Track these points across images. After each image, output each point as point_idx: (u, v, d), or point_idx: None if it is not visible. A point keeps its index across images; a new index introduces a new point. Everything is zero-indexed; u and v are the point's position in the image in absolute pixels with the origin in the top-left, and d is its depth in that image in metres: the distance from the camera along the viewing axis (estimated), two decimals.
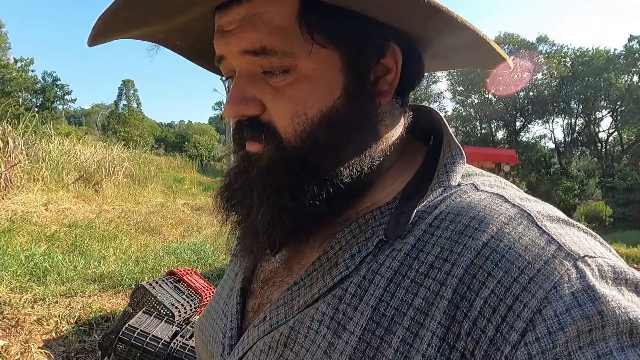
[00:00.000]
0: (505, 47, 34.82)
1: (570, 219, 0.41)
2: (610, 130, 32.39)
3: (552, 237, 0.36)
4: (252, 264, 0.56)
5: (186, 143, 39.86)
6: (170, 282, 3.20)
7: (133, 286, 4.07)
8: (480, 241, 0.37)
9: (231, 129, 0.50)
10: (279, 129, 0.44)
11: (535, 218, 0.39)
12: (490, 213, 0.40)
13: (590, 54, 32.18)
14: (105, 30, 0.45)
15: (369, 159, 0.45)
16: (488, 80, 32.77)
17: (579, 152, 35.44)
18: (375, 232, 0.44)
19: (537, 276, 0.34)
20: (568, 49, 33.72)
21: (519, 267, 0.35)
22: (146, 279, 4.17)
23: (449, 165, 0.46)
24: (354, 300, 0.40)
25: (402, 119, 0.50)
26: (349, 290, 0.41)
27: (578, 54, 32.77)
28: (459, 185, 0.45)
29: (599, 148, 32.50)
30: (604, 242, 0.39)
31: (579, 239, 0.38)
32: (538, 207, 0.41)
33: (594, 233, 0.40)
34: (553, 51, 33.33)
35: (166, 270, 4.05)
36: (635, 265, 8.78)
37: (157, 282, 3.09)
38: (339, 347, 0.39)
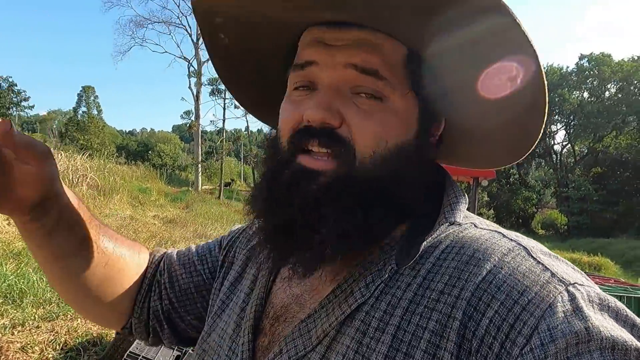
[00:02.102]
0: None
1: (559, 256, 0.46)
2: (564, 143, 34.33)
3: (546, 267, 0.41)
4: (263, 300, 0.56)
5: (150, 152, 38.71)
6: None
7: None
8: (484, 269, 0.42)
9: (284, 136, 0.50)
10: (358, 146, 0.47)
11: (530, 251, 0.44)
12: (491, 246, 0.45)
13: (544, 70, 34.04)
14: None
15: (418, 197, 0.50)
16: None
17: (536, 163, 37.28)
18: (387, 263, 0.47)
19: (535, 298, 0.38)
20: None
21: (518, 290, 0.39)
22: None
23: (454, 204, 0.51)
24: (377, 334, 0.43)
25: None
26: (372, 325, 0.44)
27: None
28: (459, 223, 0.50)
29: (554, 159, 34.34)
30: (588, 277, 0.44)
31: (567, 269, 0.43)
32: (531, 242, 0.47)
33: (578, 269, 0.45)
34: None
35: None
36: (597, 273, 9.27)
37: None
38: None
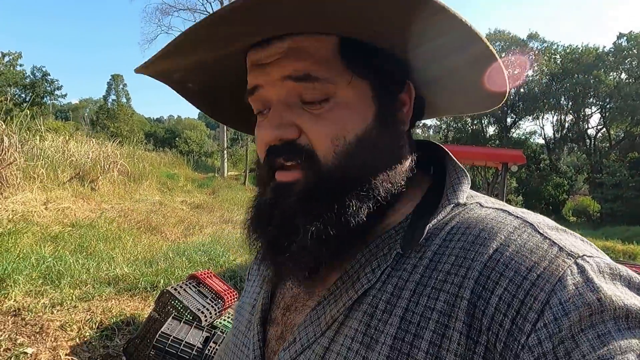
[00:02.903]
0: (497, 44, 35.12)
1: (567, 229, 0.45)
2: (599, 127, 32.93)
3: (553, 241, 0.41)
4: (269, 293, 0.58)
5: (177, 138, 39.45)
6: (193, 286, 3.17)
7: (149, 289, 4.04)
8: (490, 248, 0.42)
9: (262, 160, 0.52)
10: (318, 152, 0.47)
11: (537, 226, 0.43)
12: (497, 224, 0.44)
13: (579, 51, 32.58)
14: (154, 61, 0.50)
15: (396, 180, 0.50)
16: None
17: (568, 148, 35.99)
18: (392, 248, 0.48)
19: (544, 273, 0.38)
20: (558, 46, 34.13)
21: (527, 266, 0.39)
22: (162, 282, 4.13)
23: (456, 185, 0.51)
24: (384, 316, 0.44)
25: (410, 149, 0.55)
26: (379, 307, 0.45)
27: (568, 51, 33.15)
28: (465, 204, 0.49)
29: (588, 144, 33.04)
30: (598, 249, 0.44)
31: (576, 242, 0.42)
32: (538, 218, 0.46)
33: (587, 240, 0.45)
34: (543, 48, 33.69)
35: (185, 274, 4.02)
36: (631, 262, 8.93)
37: (181, 287, 3.05)
38: (372, 359, 0.42)
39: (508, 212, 0.47)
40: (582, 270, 0.38)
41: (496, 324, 0.38)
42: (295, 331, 0.50)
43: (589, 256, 0.39)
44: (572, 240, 0.42)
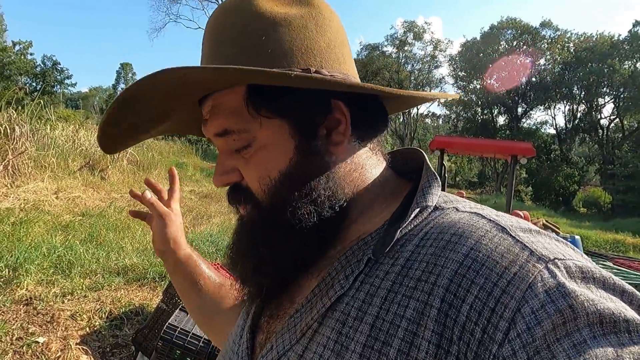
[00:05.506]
0: (509, 31, 34.47)
1: (541, 230, 0.45)
2: (612, 117, 32.37)
3: (524, 245, 0.40)
4: (262, 302, 0.60)
5: None
6: None
7: (157, 279, 4.09)
8: (461, 253, 0.41)
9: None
10: (253, 190, 0.53)
11: (509, 229, 0.43)
12: (468, 229, 0.44)
13: (594, 39, 31.91)
14: (109, 139, 0.58)
15: (337, 199, 0.51)
16: (490, 66, 32.55)
17: (580, 139, 35.48)
18: (366, 254, 0.48)
19: (514, 279, 0.38)
20: (572, 34, 33.45)
21: (497, 272, 0.38)
22: None
23: (426, 189, 0.52)
24: (355, 323, 0.44)
25: (376, 159, 0.57)
26: (350, 314, 0.45)
27: (582, 39, 32.49)
28: (441, 208, 0.50)
29: (600, 135, 32.54)
30: (575, 248, 0.43)
31: (549, 245, 0.41)
32: (511, 220, 0.46)
33: (565, 241, 0.44)
34: (556, 36, 33.03)
35: None
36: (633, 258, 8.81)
37: None
38: None
39: (482, 215, 0.47)
40: (552, 275, 0.37)
41: (467, 333, 0.37)
42: (273, 338, 0.52)
43: (561, 259, 0.39)
44: (545, 243, 0.42)
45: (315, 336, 0.47)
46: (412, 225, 0.48)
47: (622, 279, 0.40)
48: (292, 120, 0.51)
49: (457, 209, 0.49)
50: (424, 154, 0.59)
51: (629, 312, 0.36)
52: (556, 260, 0.38)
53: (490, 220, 0.45)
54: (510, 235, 0.42)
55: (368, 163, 0.55)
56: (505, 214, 0.48)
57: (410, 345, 0.39)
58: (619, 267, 4.38)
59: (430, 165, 0.56)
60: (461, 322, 0.38)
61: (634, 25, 30.12)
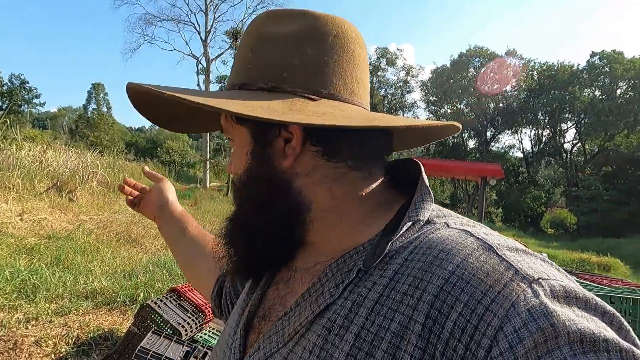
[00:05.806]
0: (476, 59, 35.96)
1: (528, 250, 0.46)
2: (575, 142, 33.90)
3: (510, 264, 0.41)
4: (258, 300, 0.61)
5: (158, 149, 38.91)
6: (173, 299, 3.12)
7: (128, 303, 3.95)
8: (447, 270, 0.42)
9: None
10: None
11: (495, 248, 0.44)
12: (456, 246, 0.45)
13: (555, 68, 33.62)
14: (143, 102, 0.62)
15: (294, 207, 0.54)
16: (460, 91, 33.67)
17: (545, 162, 36.88)
18: (357, 264, 0.49)
19: (498, 297, 0.38)
20: (535, 62, 35.17)
21: (482, 290, 0.39)
22: (141, 295, 4.05)
23: (418, 203, 0.52)
24: (341, 332, 0.45)
25: (360, 174, 0.55)
26: (337, 322, 0.46)
27: (544, 67, 34.17)
28: (433, 223, 0.51)
29: (564, 158, 33.93)
30: (560, 268, 0.44)
31: (535, 264, 0.42)
32: (500, 239, 0.46)
33: (550, 261, 0.45)
34: (521, 64, 34.65)
35: (166, 287, 3.95)
36: (605, 274, 9.14)
37: (161, 300, 3.00)
38: None
39: (470, 233, 0.47)
40: (535, 295, 0.38)
41: (450, 350, 0.38)
42: (261, 339, 0.53)
43: (545, 279, 0.40)
44: (531, 262, 0.43)
45: (301, 341, 0.48)
46: (404, 238, 0.49)
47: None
48: (251, 130, 0.55)
49: (447, 225, 0.50)
50: (422, 167, 0.59)
51: (609, 333, 0.37)
52: (540, 280, 0.39)
53: (478, 238, 0.46)
54: (497, 254, 0.43)
55: (346, 178, 0.54)
56: (495, 232, 0.49)
57: (393, 358, 0.40)
58: (582, 281, 4.55)
59: (426, 178, 0.57)
60: (444, 338, 0.38)
61: (591, 56, 32.00)
